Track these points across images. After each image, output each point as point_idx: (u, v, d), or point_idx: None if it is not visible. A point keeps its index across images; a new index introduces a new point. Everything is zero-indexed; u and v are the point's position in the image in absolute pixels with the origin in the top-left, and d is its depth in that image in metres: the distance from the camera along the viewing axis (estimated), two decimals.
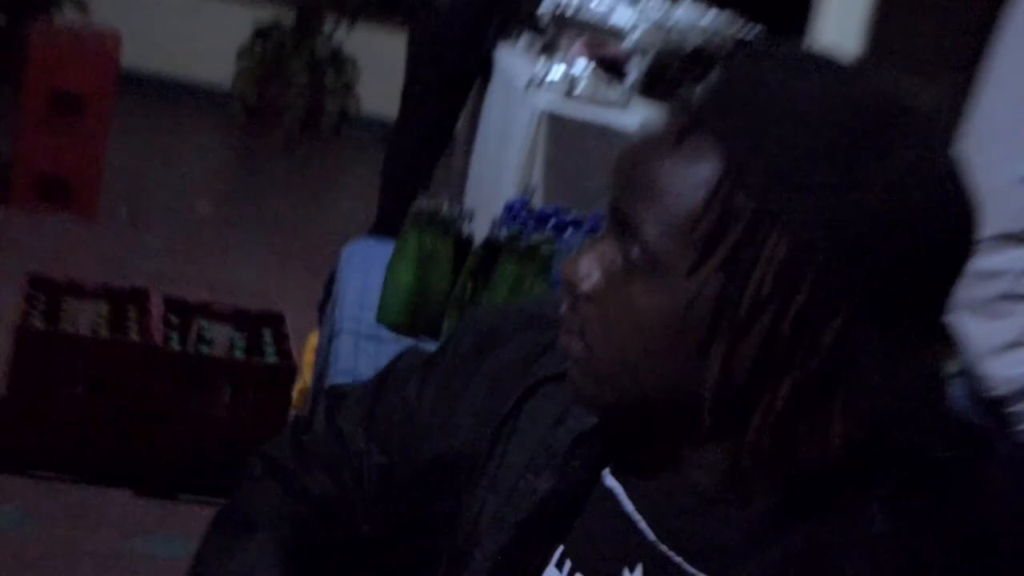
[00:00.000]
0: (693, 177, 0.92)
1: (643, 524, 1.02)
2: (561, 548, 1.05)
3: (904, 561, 0.93)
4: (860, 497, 0.94)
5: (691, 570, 0.99)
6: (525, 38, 4.50)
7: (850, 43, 4.37)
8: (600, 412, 1.04)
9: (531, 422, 1.08)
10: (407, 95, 4.72)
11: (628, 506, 1.03)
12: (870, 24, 4.37)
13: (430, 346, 2.24)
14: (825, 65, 0.94)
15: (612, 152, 3.57)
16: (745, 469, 0.96)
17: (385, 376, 1.23)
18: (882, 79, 0.93)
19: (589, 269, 0.98)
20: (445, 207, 2.50)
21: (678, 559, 1.00)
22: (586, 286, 0.98)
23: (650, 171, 0.93)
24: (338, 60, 7.09)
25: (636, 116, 3.83)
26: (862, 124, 0.90)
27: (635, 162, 0.95)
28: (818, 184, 0.89)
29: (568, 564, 1.04)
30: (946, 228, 0.91)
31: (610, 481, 1.05)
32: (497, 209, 3.52)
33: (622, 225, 0.96)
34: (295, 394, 3.34)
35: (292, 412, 3.29)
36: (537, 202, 3.21)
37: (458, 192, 4.60)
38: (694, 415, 0.95)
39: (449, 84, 4.60)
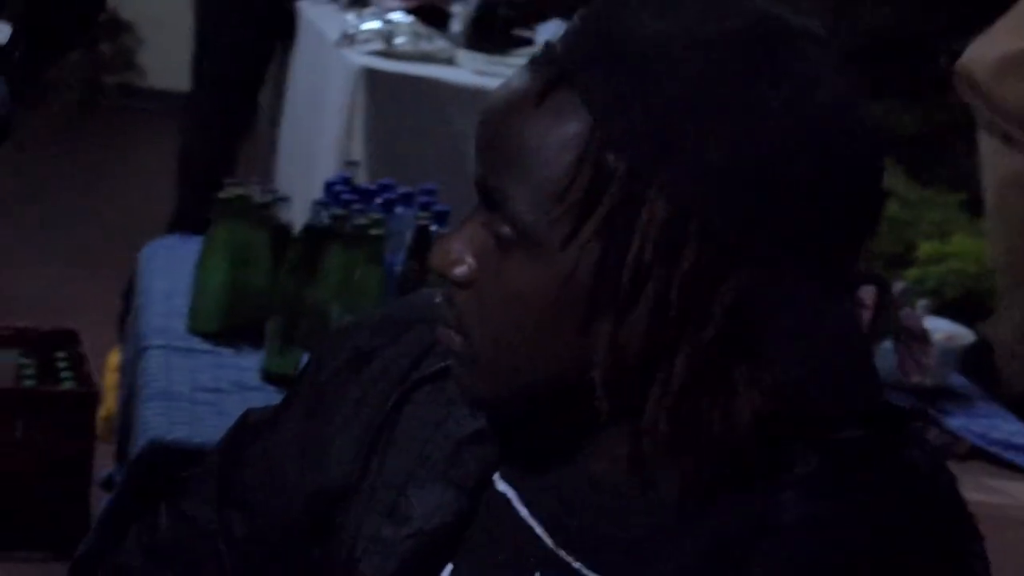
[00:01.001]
0: (559, 139, 0.95)
1: (539, 529, 1.05)
2: (451, 565, 1.08)
3: (816, 552, 0.97)
4: (771, 482, 0.98)
5: (590, 575, 1.02)
6: None
7: None
8: (488, 409, 1.06)
9: (409, 431, 1.11)
10: (199, 63, 4.69)
11: (522, 511, 1.06)
12: None
13: (252, 361, 2.26)
14: (713, 4, 0.96)
15: (439, 113, 3.61)
16: (646, 455, 0.99)
17: (233, 437, 1.24)
18: (756, 3, 0.96)
19: (459, 253, 1.01)
20: (257, 192, 2.51)
21: (577, 564, 1.03)
22: (458, 272, 1.01)
23: (512, 136, 0.96)
24: (115, 27, 7.00)
25: (464, 70, 3.88)
26: (744, 57, 0.93)
27: (496, 128, 0.98)
28: (694, 133, 0.92)
29: None
30: (852, 160, 0.94)
31: (502, 486, 1.08)
32: (315, 189, 3.54)
33: (490, 200, 0.98)
34: (99, 422, 3.32)
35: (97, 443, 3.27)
36: (361, 177, 3.24)
37: (266, 172, 4.60)
38: (587, 400, 0.98)
39: (248, 46, 4.58)
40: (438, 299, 1.04)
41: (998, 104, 0.63)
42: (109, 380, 3.46)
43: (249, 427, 1.24)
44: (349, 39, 3.88)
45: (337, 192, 2.58)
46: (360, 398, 1.14)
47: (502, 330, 1.00)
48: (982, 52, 0.66)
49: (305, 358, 2.28)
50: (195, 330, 2.42)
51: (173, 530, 1.23)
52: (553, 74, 0.96)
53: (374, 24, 3.89)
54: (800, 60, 0.94)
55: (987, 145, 0.63)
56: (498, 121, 0.98)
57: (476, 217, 1.01)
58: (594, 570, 1.02)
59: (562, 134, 0.95)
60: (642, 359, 0.96)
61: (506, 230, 0.98)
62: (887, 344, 2.39)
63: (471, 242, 1.00)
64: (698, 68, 0.93)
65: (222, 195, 2.50)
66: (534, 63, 0.98)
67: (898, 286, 2.47)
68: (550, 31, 4.12)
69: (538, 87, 0.96)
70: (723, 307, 0.93)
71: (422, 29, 3.93)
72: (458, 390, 1.06)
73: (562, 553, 1.04)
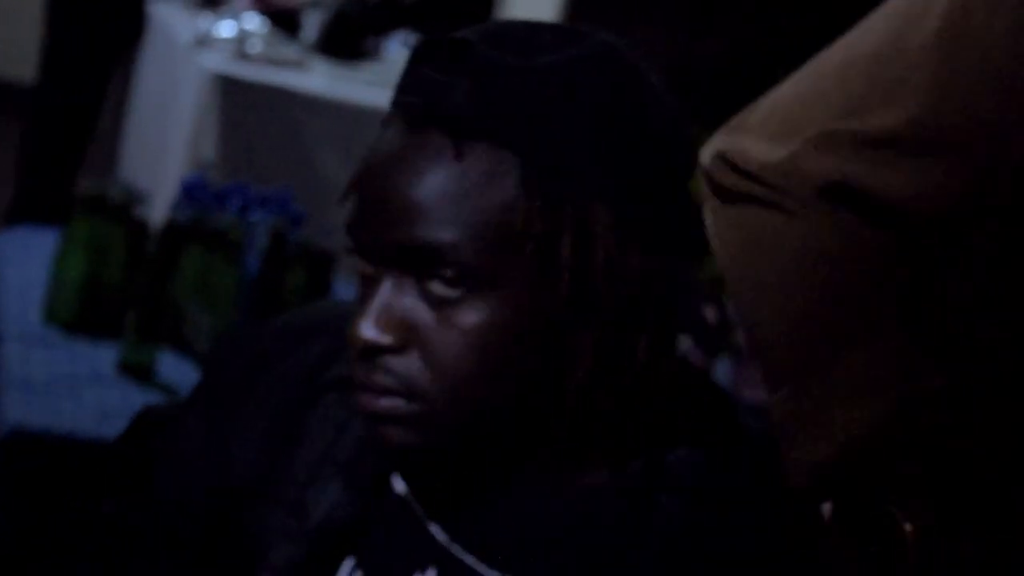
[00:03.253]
0: (487, 184, 1.03)
1: (434, 527, 1.12)
2: (351, 559, 1.14)
3: (692, 552, 1.07)
4: (651, 482, 1.08)
5: (483, 568, 1.10)
6: None
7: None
8: (434, 455, 1.10)
9: (314, 433, 1.17)
10: (50, 57, 4.69)
11: (418, 510, 1.13)
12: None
13: (109, 353, 2.31)
14: (554, 35, 1.07)
15: (291, 119, 3.67)
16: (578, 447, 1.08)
17: (133, 433, 1.29)
18: (593, 35, 1.08)
19: (384, 323, 1.04)
20: (115, 190, 2.57)
21: (471, 559, 1.11)
22: (392, 340, 1.05)
23: (442, 193, 1.03)
24: None
25: (316, 76, 3.95)
26: (611, 73, 1.05)
27: (415, 189, 1.03)
28: (593, 147, 1.03)
29: (359, 573, 1.13)
30: (689, 157, 1.07)
31: (399, 486, 1.15)
32: (163, 187, 3.59)
33: (415, 261, 1.04)
34: None
35: None
36: (214, 177, 3.30)
37: (108, 166, 4.61)
38: (526, 425, 1.08)
39: (99, 42, 4.60)
40: (359, 375, 1.06)
41: (803, 179, 0.72)
42: None
43: (149, 424, 1.29)
44: (202, 42, 3.92)
45: (194, 193, 2.64)
46: (262, 400, 1.19)
47: (463, 377, 1.04)
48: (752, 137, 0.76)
49: (160, 353, 2.37)
50: (52, 320, 2.47)
51: (75, 522, 1.28)
52: (459, 129, 1.03)
53: (228, 28, 3.94)
54: (645, 75, 1.08)
55: (763, 221, 0.71)
56: (414, 183, 1.03)
57: (383, 287, 1.05)
58: (488, 565, 1.10)
59: (489, 179, 1.03)
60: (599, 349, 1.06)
61: (438, 287, 1.04)
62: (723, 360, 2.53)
63: (391, 310, 1.05)
64: (583, 91, 1.04)
65: (81, 191, 2.56)
66: (417, 120, 1.04)
67: (733, 307, 2.60)
68: (398, 41, 4.22)
69: (448, 144, 1.03)
70: (639, 284, 1.05)
71: (275, 34, 3.99)
72: (385, 446, 1.08)
73: (456, 549, 1.11)
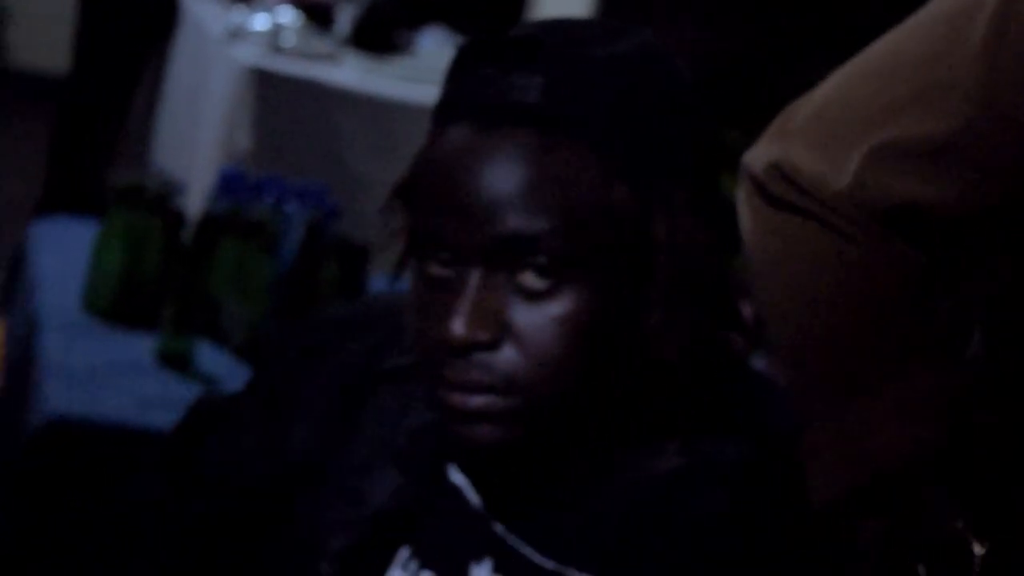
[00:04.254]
0: (574, 174, 1.05)
1: (490, 517, 1.14)
2: (407, 548, 1.16)
3: (733, 542, 1.09)
4: (702, 471, 1.10)
5: (539, 559, 1.12)
6: None
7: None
8: (514, 450, 1.09)
9: (370, 423, 1.19)
10: (82, 48, 4.72)
11: (474, 500, 1.15)
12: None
13: (146, 343, 2.33)
14: (603, 30, 1.10)
15: (323, 113, 3.68)
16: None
17: (188, 423, 1.31)
18: (633, 31, 1.12)
19: (478, 320, 1.05)
20: (152, 181, 2.59)
21: (527, 550, 1.12)
22: (489, 335, 1.06)
23: (537, 184, 1.05)
24: None
25: (348, 70, 3.97)
26: (663, 68, 1.09)
27: (509, 181, 1.05)
28: (663, 136, 1.07)
29: (415, 563, 1.15)
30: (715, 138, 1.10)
31: (455, 476, 1.16)
32: (195, 179, 3.61)
33: (508, 253, 1.05)
34: None
35: None
36: (246, 170, 3.32)
37: (140, 157, 4.64)
38: (620, 405, 1.10)
39: (132, 34, 4.63)
40: (453, 375, 1.06)
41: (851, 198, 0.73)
42: None
43: (204, 414, 1.31)
44: (235, 35, 3.95)
45: (231, 185, 2.66)
46: (318, 390, 1.21)
47: (561, 367, 1.06)
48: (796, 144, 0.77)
49: (197, 343, 2.39)
50: (90, 309, 2.49)
51: (131, 511, 1.30)
52: (539, 123, 1.05)
53: (261, 21, 3.96)
54: (682, 70, 1.12)
55: (813, 236, 0.72)
56: (500, 178, 1.05)
57: (471, 285, 1.06)
58: (544, 555, 1.12)
59: (574, 168, 1.05)
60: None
61: (529, 279, 1.05)
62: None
63: (483, 306, 1.06)
64: (647, 79, 1.08)
65: (118, 182, 2.58)
66: (491, 121, 1.06)
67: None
68: (431, 36, 4.24)
69: (529, 138, 1.05)
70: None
71: (308, 28, 4.01)
72: (470, 446, 1.09)
73: (512, 540, 1.13)
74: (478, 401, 1.06)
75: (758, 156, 0.88)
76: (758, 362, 2.34)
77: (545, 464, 1.13)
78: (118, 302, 2.49)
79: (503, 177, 1.05)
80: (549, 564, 1.12)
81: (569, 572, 1.11)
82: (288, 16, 4.01)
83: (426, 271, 1.09)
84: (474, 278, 1.06)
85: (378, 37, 4.15)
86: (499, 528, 1.14)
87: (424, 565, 1.15)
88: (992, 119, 0.78)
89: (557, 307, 1.05)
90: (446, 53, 3.90)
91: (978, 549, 0.79)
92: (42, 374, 2.28)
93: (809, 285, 0.85)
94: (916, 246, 0.80)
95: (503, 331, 1.06)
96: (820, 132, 0.85)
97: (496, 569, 1.13)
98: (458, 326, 1.05)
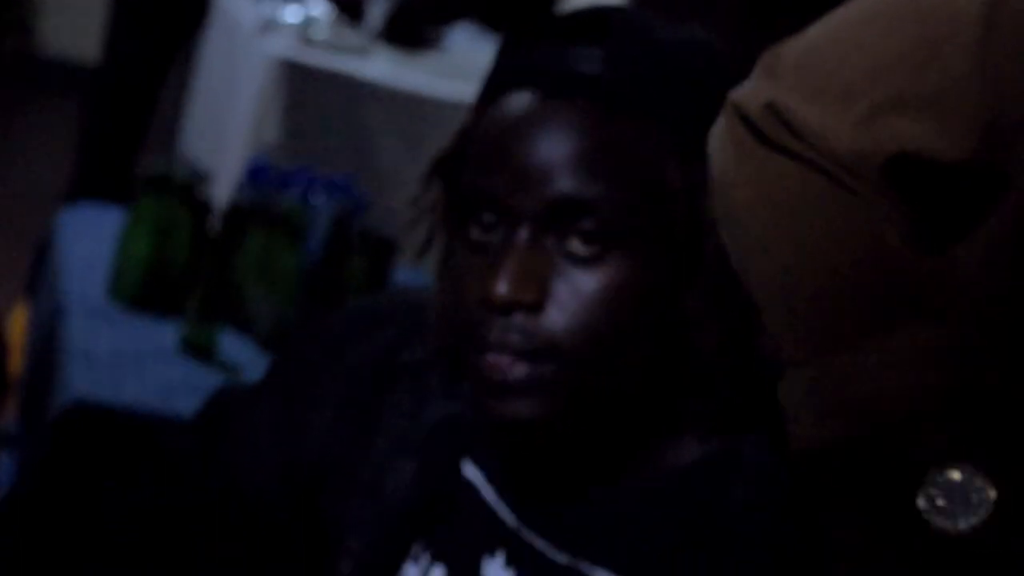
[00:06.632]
0: (631, 144, 1.07)
1: (504, 510, 1.14)
2: (421, 543, 1.16)
3: (762, 538, 1.08)
4: (728, 469, 1.10)
5: (553, 552, 1.11)
6: None
7: None
8: (540, 432, 1.09)
9: (390, 416, 1.19)
10: (113, 38, 4.74)
11: (488, 495, 1.15)
12: None
13: (171, 330, 2.35)
14: (647, 13, 1.13)
15: (353, 104, 3.70)
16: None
17: (209, 413, 1.32)
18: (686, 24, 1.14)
19: (521, 280, 1.05)
20: (180, 170, 2.62)
21: (541, 543, 1.12)
22: (532, 296, 1.05)
23: (596, 150, 1.06)
24: None
25: (379, 64, 3.98)
26: (717, 53, 1.12)
27: (569, 145, 1.06)
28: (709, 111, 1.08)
29: (426, 557, 1.16)
30: None
31: (470, 471, 1.17)
32: (223, 169, 3.63)
33: (558, 216, 1.05)
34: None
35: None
36: (275, 161, 3.33)
37: (168, 148, 4.66)
38: (656, 390, 1.09)
39: (163, 25, 4.65)
40: (493, 336, 1.06)
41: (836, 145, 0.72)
42: (14, 339, 3.50)
43: (224, 405, 1.32)
44: (267, 27, 3.96)
45: (259, 176, 2.68)
46: (337, 384, 1.22)
47: (602, 335, 1.05)
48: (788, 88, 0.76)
49: (221, 332, 2.41)
50: (116, 296, 2.51)
51: (149, 498, 1.31)
52: (600, 94, 1.07)
53: (293, 13, 3.98)
54: (731, 63, 1.12)
55: (812, 183, 0.70)
56: (558, 142, 1.06)
57: (516, 246, 1.06)
58: (557, 548, 1.11)
59: (631, 139, 1.07)
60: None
61: (577, 245, 1.05)
62: None
63: (527, 268, 1.05)
64: (701, 59, 1.10)
65: (147, 171, 2.60)
66: (553, 90, 1.08)
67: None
68: (461, 32, 4.25)
69: (589, 108, 1.07)
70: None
71: (339, 21, 4.03)
72: (501, 421, 1.08)
73: (525, 533, 1.13)
74: (518, 371, 1.06)
75: (750, 95, 0.87)
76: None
77: (568, 451, 1.13)
78: (144, 290, 2.51)
79: (561, 142, 1.06)
80: (563, 558, 1.11)
81: (583, 566, 1.11)
82: (319, 9, 4.02)
83: (467, 236, 1.09)
84: (521, 239, 1.06)
85: (409, 32, 4.17)
86: (512, 521, 1.14)
87: (436, 559, 1.16)
88: (987, 80, 0.78)
89: (602, 275, 1.05)
90: (477, 49, 3.95)
91: (992, 494, 0.79)
92: (67, 360, 2.30)
93: (798, 228, 0.85)
94: (913, 200, 0.80)
95: (546, 296, 1.06)
96: (816, 79, 0.85)
97: (509, 562, 1.13)
98: (502, 285, 1.05)
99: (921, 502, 0.80)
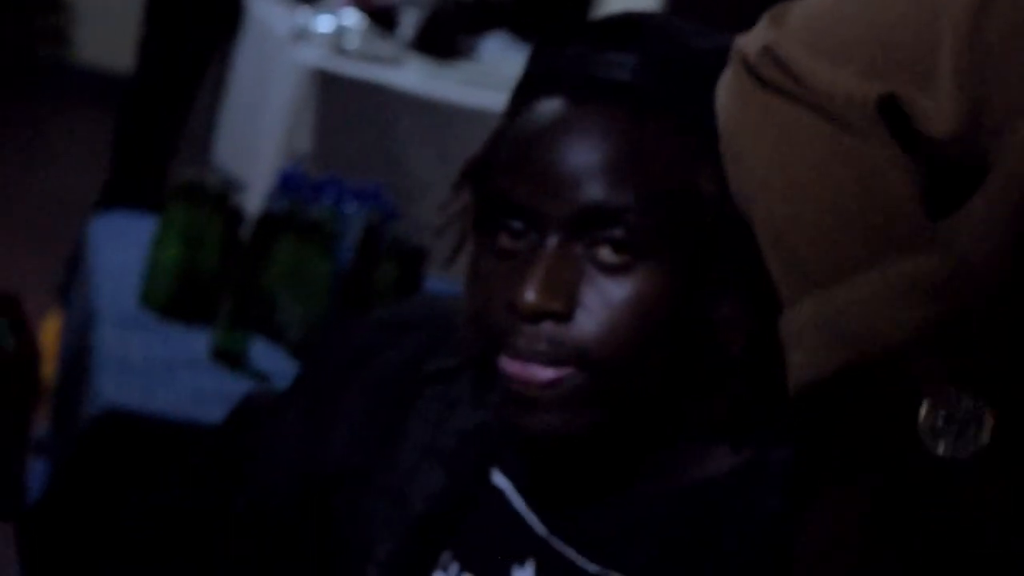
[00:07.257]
0: (658, 152, 1.05)
1: (533, 519, 1.13)
2: (449, 552, 1.15)
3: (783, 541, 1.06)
4: (755, 478, 1.09)
5: (583, 562, 1.11)
6: None
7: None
8: (565, 444, 1.08)
9: (417, 424, 1.18)
10: (147, 48, 4.77)
11: (518, 503, 1.14)
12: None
13: (202, 338, 2.35)
14: (677, 20, 1.12)
15: (385, 116, 3.71)
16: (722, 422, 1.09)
17: (235, 420, 1.32)
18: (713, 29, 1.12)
19: (551, 289, 1.04)
20: (212, 178, 2.63)
21: (571, 552, 1.11)
22: (560, 305, 1.04)
23: (625, 157, 1.05)
24: (49, 2, 7.01)
25: (411, 73, 3.99)
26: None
27: (598, 152, 1.05)
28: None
29: (456, 566, 1.15)
30: None
31: (499, 479, 1.16)
32: (255, 178, 3.65)
33: (588, 225, 1.04)
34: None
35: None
36: (307, 170, 3.35)
37: (200, 157, 4.68)
38: (683, 400, 1.08)
39: (196, 35, 4.67)
40: (521, 344, 1.05)
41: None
42: (47, 346, 3.52)
43: (251, 411, 1.32)
44: (299, 36, 3.98)
45: (291, 184, 2.69)
46: (363, 391, 1.21)
47: (630, 344, 1.04)
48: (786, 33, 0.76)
49: (252, 340, 2.41)
50: (147, 303, 2.52)
51: (170, 506, 1.31)
52: (632, 99, 1.06)
53: (325, 23, 4.00)
54: None
55: (809, 123, 0.71)
56: (589, 149, 1.05)
57: (546, 255, 1.05)
58: (588, 558, 1.11)
59: (662, 146, 1.06)
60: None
61: (606, 253, 1.04)
62: None
63: (556, 276, 1.04)
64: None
65: (179, 179, 2.61)
66: (584, 95, 1.07)
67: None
68: (493, 42, 4.26)
69: (620, 113, 1.06)
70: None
71: (372, 31, 4.04)
72: (526, 433, 1.07)
73: (555, 541, 1.12)
74: (546, 374, 1.05)
75: (752, 40, 0.89)
76: None
77: (597, 460, 1.12)
78: (175, 297, 2.52)
79: (591, 148, 1.05)
80: (593, 568, 1.11)
81: None
82: (352, 19, 4.03)
83: (496, 243, 1.08)
84: (550, 246, 1.05)
85: (441, 41, 4.18)
86: (542, 530, 1.13)
87: (465, 568, 1.15)
88: (975, 62, 0.79)
89: (632, 285, 1.04)
90: (508, 59, 3.96)
91: (989, 420, 0.79)
92: (98, 367, 2.31)
93: (795, 165, 0.85)
94: (907, 146, 0.81)
95: (575, 305, 1.05)
96: (819, 40, 0.86)
97: (539, 572, 1.12)
98: (531, 293, 1.04)
99: (922, 430, 0.80)
